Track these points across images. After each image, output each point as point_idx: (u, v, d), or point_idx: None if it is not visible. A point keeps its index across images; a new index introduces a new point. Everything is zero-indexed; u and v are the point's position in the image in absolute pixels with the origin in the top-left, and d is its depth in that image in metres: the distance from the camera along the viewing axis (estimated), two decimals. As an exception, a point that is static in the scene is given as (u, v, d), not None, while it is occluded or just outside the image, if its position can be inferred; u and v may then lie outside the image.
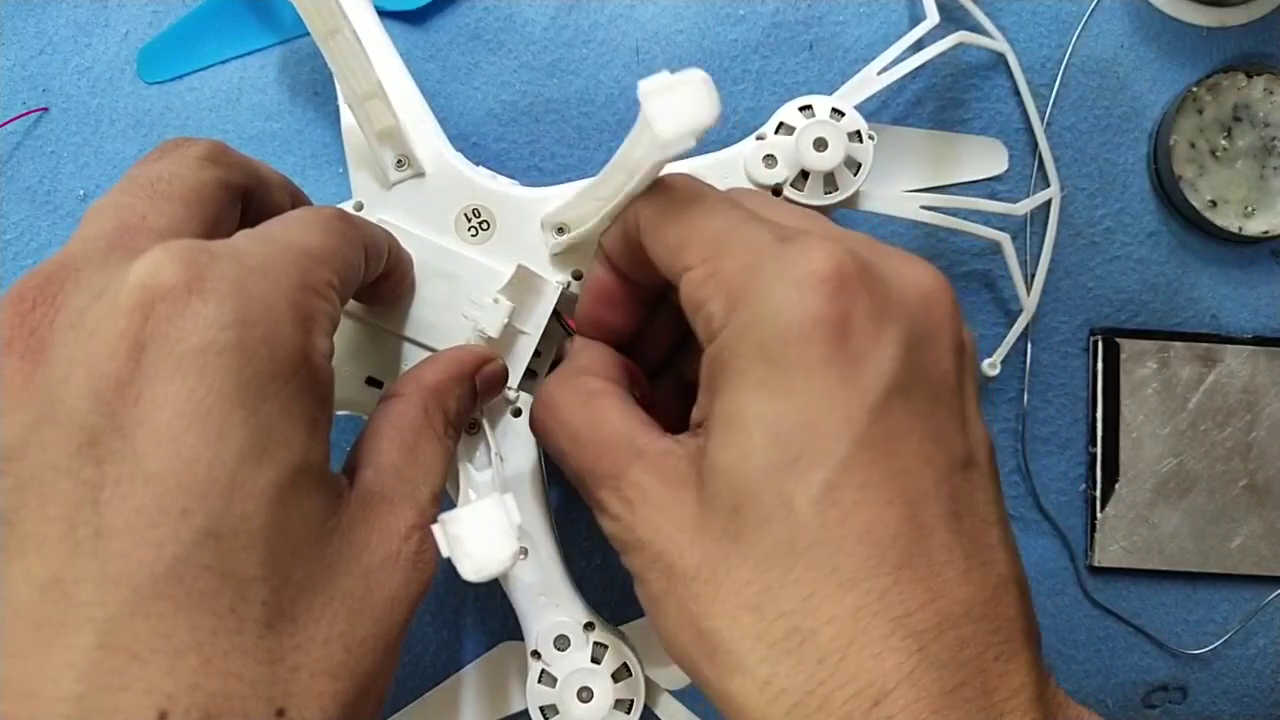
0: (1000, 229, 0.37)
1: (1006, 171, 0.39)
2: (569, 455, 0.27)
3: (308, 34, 0.31)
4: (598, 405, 0.27)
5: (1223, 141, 0.38)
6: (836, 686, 0.21)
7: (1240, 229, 0.38)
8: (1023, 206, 0.37)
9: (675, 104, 0.24)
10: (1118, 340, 0.39)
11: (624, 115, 0.39)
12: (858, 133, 0.33)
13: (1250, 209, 0.38)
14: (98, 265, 0.21)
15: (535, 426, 0.29)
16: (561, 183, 0.34)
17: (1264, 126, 0.38)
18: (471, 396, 0.29)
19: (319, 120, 0.39)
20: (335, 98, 0.39)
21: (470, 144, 0.38)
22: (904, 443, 0.22)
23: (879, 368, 0.22)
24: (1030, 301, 0.38)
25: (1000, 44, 0.38)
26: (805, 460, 0.22)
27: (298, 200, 0.31)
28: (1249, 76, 0.38)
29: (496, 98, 0.39)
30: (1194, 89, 0.38)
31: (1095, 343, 0.39)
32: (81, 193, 0.39)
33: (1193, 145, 0.38)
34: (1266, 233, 0.38)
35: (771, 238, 0.24)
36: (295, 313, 0.22)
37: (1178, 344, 0.39)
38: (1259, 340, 0.39)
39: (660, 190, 0.26)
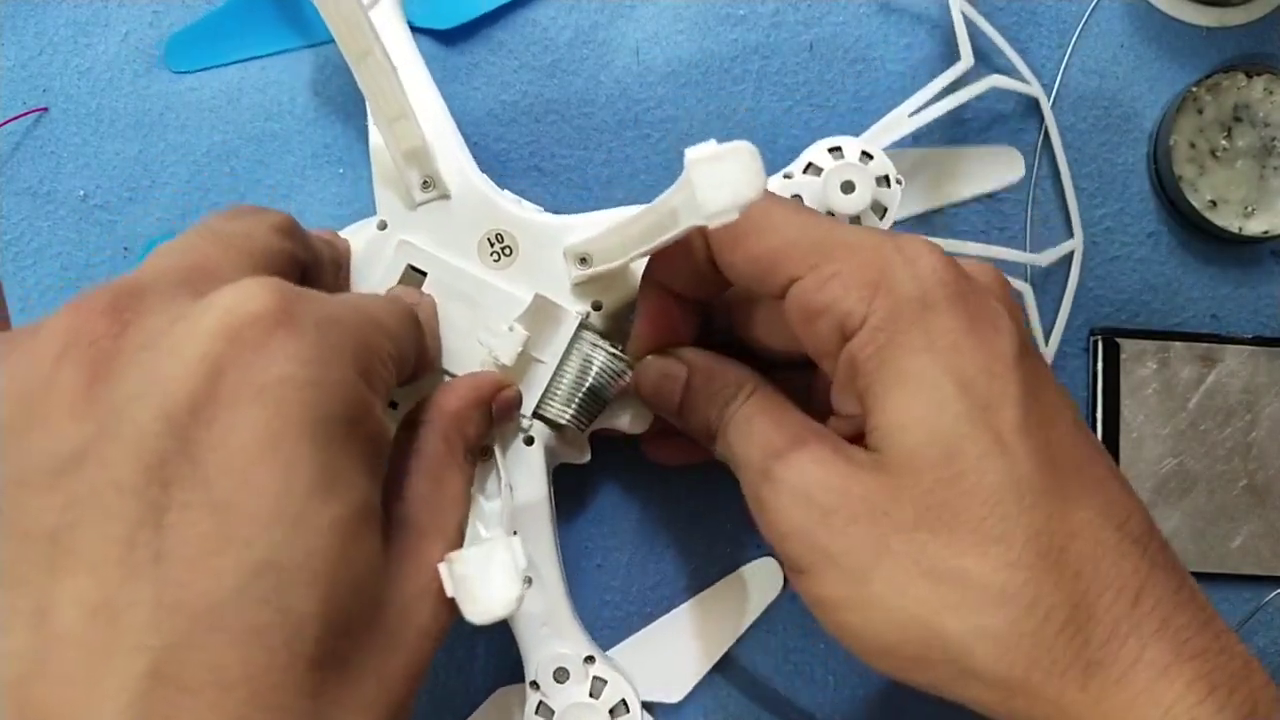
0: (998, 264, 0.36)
1: (1020, 182, 0.39)
2: (736, 442, 0.28)
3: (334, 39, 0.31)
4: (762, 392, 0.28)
5: (1223, 141, 0.38)
6: (1097, 594, 0.22)
7: (1240, 229, 0.38)
8: (1046, 257, 0.37)
9: (722, 177, 0.24)
10: (1118, 340, 0.39)
11: (624, 115, 0.39)
12: (885, 177, 0.33)
13: (1250, 209, 0.38)
14: (169, 295, 0.21)
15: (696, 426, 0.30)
16: (562, 182, 0.34)
17: (1264, 126, 0.38)
18: (488, 422, 0.30)
19: (319, 120, 0.39)
20: (336, 97, 0.39)
21: (470, 144, 0.38)
22: (1043, 387, 0.25)
23: (1008, 327, 0.25)
24: (1049, 351, 0.38)
25: (1035, 89, 0.38)
26: (996, 400, 0.24)
27: (345, 281, 0.32)
28: (1249, 76, 0.38)
29: (496, 98, 0.39)
30: (1194, 89, 0.38)
31: (1095, 343, 0.39)
32: (81, 193, 0.39)
33: (1193, 145, 0.38)
34: (1266, 233, 0.38)
35: (883, 236, 0.26)
36: (360, 367, 0.22)
37: (1178, 344, 0.39)
38: (1259, 340, 0.39)
39: None
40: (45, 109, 0.39)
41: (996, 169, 0.39)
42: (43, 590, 0.18)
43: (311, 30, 0.39)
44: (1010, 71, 0.38)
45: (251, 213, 0.26)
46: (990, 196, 0.39)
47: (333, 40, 0.31)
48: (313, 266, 0.28)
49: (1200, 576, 0.38)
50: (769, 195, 0.27)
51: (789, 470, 0.26)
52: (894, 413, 0.24)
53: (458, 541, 0.25)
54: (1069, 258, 0.38)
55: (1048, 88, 0.39)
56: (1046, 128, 0.39)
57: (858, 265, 0.25)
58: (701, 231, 0.27)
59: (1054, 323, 0.38)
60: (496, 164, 0.38)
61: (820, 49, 0.39)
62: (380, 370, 0.23)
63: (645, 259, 0.30)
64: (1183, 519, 0.38)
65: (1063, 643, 0.22)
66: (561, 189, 0.38)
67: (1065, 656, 0.22)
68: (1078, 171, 0.39)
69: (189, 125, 0.39)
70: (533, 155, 0.39)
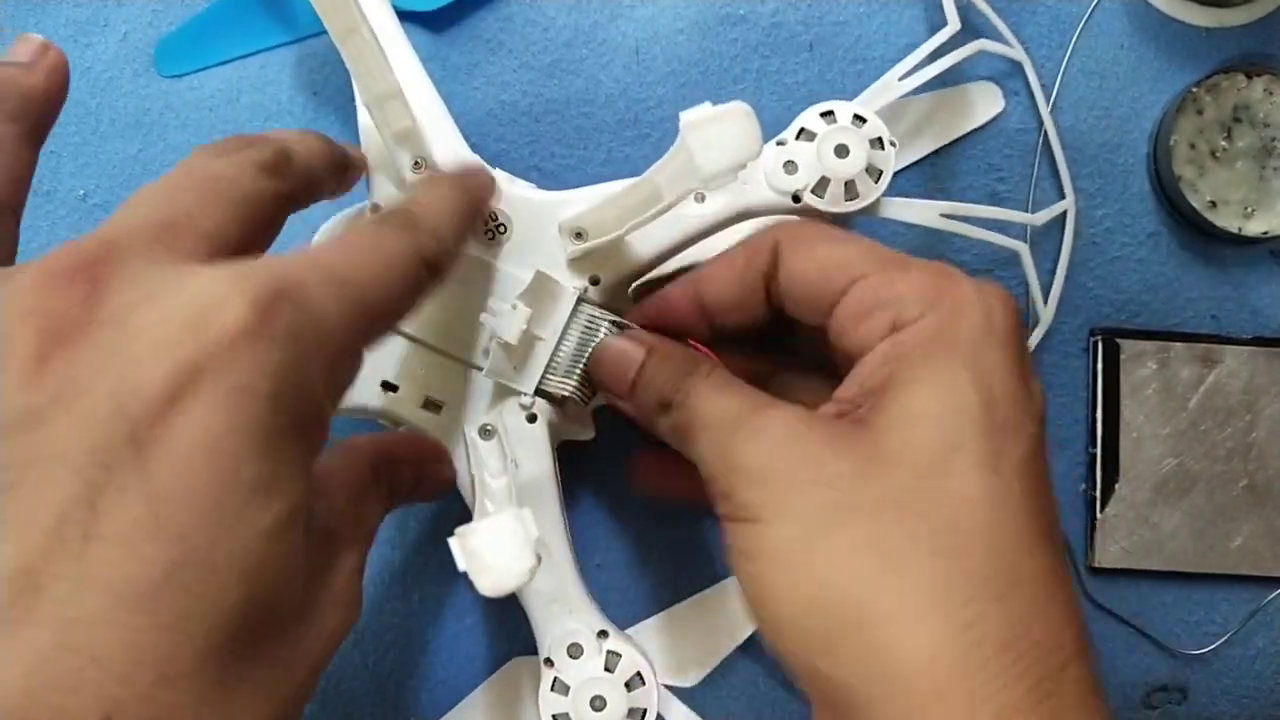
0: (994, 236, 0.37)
1: (1001, 110, 0.39)
2: (703, 404, 0.27)
3: (324, 32, 0.31)
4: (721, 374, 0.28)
5: (1222, 142, 0.38)
6: (1032, 643, 0.22)
7: (1240, 229, 0.38)
8: (1040, 217, 0.37)
9: (719, 138, 0.24)
10: (1118, 340, 0.39)
11: (624, 115, 0.39)
12: (879, 139, 0.33)
13: (1250, 209, 0.38)
14: (143, 258, 0.21)
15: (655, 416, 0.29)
16: (562, 182, 0.34)
17: (1264, 127, 0.38)
18: (414, 483, 0.30)
19: (318, 120, 0.39)
20: (335, 97, 0.39)
21: (470, 144, 0.38)
22: (1044, 454, 0.25)
23: (1041, 393, 0.26)
24: (1047, 312, 0.38)
25: (1018, 52, 0.38)
26: (1010, 428, 0.24)
27: (340, 169, 0.30)
28: (1249, 77, 0.38)
29: (496, 98, 0.39)
30: (1194, 89, 0.38)
31: (1095, 343, 0.39)
32: (81, 192, 0.39)
33: (1193, 146, 0.38)
34: (1266, 233, 0.38)
35: (950, 266, 0.27)
36: (329, 376, 0.22)
37: (1178, 344, 0.39)
38: (1259, 341, 0.39)
39: (795, 224, 0.30)
40: (45, 109, 0.39)
41: (978, 105, 0.39)
42: None
43: (297, 24, 0.39)
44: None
45: (239, 148, 0.25)
46: (995, 178, 0.39)
47: (320, 33, 0.31)
48: (307, 188, 0.28)
49: (1200, 577, 0.38)
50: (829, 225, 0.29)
51: (770, 418, 0.25)
52: (912, 401, 0.24)
53: (364, 558, 0.26)
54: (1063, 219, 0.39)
55: (1048, 88, 0.39)
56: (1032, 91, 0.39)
57: (931, 276, 0.26)
58: (772, 244, 0.28)
59: (1051, 280, 0.38)
60: (496, 164, 0.38)
61: (820, 49, 0.39)
62: (344, 370, 0.23)
63: (641, 230, 0.30)
64: (1183, 519, 0.38)
65: (987, 675, 0.21)
66: (561, 189, 0.38)
67: (984, 690, 0.21)
68: (1078, 172, 0.39)
69: (188, 125, 0.39)
70: (532, 155, 0.39)
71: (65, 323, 0.20)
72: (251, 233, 0.24)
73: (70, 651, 0.18)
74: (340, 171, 0.31)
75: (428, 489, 0.32)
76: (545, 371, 0.32)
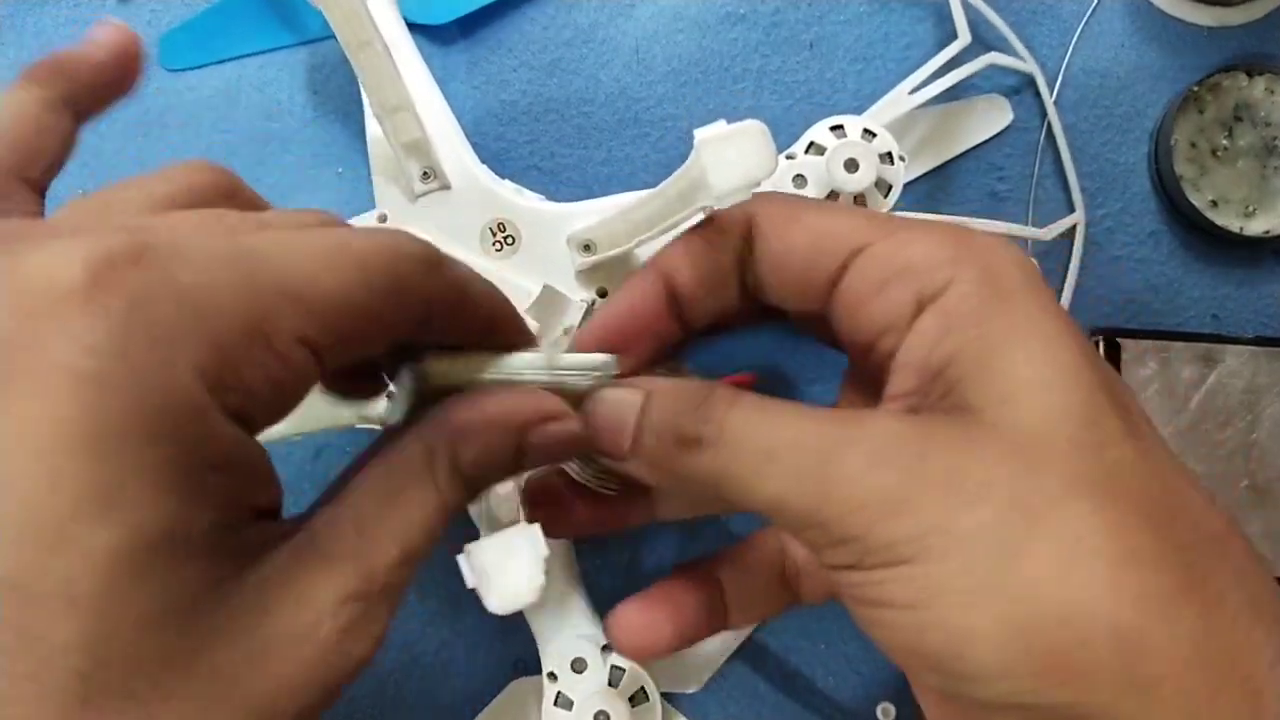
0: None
1: (1011, 121, 0.39)
2: (748, 439, 0.22)
3: (330, 36, 0.31)
4: (778, 408, 0.23)
5: (1224, 141, 0.38)
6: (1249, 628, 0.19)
7: (1241, 229, 0.38)
8: (1049, 232, 0.37)
9: (732, 157, 0.24)
10: (1119, 340, 0.38)
11: (623, 115, 0.39)
12: (889, 154, 0.33)
13: (1251, 209, 0.38)
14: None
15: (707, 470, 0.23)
16: (562, 181, 0.34)
17: (1265, 126, 0.38)
18: (512, 455, 0.22)
19: (318, 120, 0.39)
20: (335, 97, 0.39)
21: (470, 143, 0.38)
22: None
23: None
24: None
25: (1030, 65, 0.38)
26: (1114, 380, 0.21)
27: (121, 58, 0.25)
28: (1250, 76, 0.38)
29: (496, 97, 0.39)
30: (1195, 88, 0.38)
31: (1096, 343, 0.39)
32: (81, 192, 0.39)
33: (1194, 145, 0.38)
34: (1268, 232, 0.38)
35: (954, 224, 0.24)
36: (213, 359, 0.17)
37: (1179, 344, 0.39)
38: (1260, 340, 0.39)
39: (769, 198, 0.25)
40: (44, 108, 0.39)
41: (986, 119, 0.39)
42: None
43: (303, 27, 0.39)
44: (1009, 53, 0.38)
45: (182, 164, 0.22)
46: (996, 178, 0.39)
47: (326, 36, 0.31)
48: (83, 88, 0.24)
49: (1202, 577, 0.38)
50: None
51: (872, 431, 0.21)
52: (1022, 367, 0.20)
53: (387, 578, 0.19)
54: (1072, 233, 0.38)
55: (1048, 88, 0.39)
56: (1044, 104, 0.39)
57: (938, 236, 0.22)
58: (745, 220, 0.25)
59: (1060, 291, 0.38)
60: (495, 163, 0.38)
61: (821, 48, 0.39)
62: (262, 359, 0.17)
63: (650, 244, 0.30)
64: (1184, 519, 0.38)
65: (1252, 647, 0.18)
66: (561, 188, 0.38)
67: (1275, 672, 0.18)
68: (1080, 171, 0.39)
69: (188, 124, 0.39)
70: (532, 154, 0.39)
71: None
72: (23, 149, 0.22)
73: None
74: (122, 62, 0.25)
75: (544, 456, 0.23)
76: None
